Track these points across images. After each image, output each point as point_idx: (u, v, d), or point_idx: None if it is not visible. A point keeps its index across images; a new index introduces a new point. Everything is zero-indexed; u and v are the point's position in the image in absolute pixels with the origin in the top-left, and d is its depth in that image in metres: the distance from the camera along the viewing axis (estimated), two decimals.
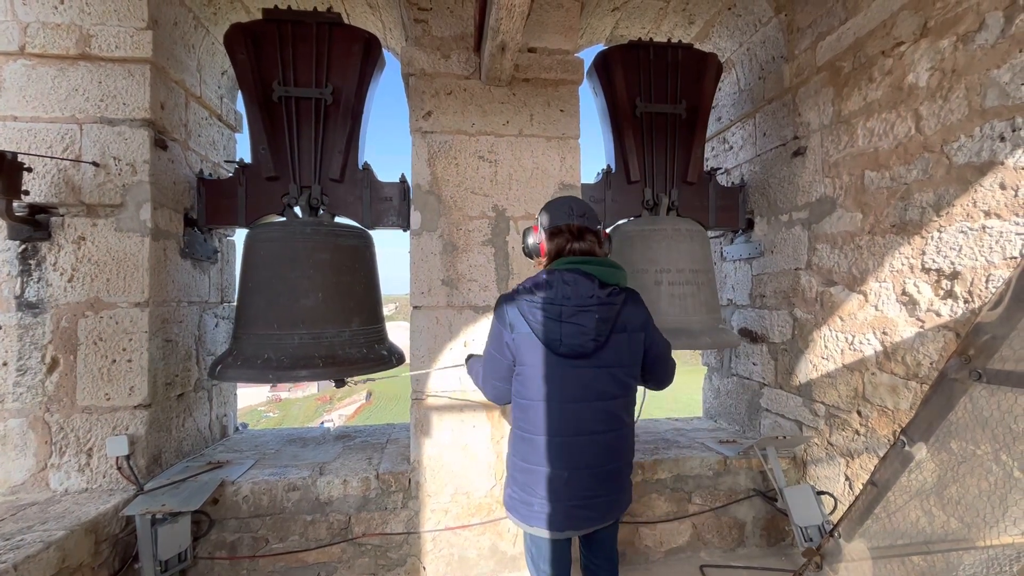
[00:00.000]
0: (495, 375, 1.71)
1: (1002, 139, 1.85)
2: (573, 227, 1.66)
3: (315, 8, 2.71)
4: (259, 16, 2.64)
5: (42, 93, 2.38)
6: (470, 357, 2.08)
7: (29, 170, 2.26)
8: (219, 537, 2.46)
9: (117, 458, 2.34)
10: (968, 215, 1.99)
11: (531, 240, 1.75)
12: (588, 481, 1.60)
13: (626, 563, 2.77)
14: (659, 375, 1.78)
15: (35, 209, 2.33)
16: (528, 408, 1.62)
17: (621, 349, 1.62)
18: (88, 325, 2.38)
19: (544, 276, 1.61)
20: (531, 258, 1.80)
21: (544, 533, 1.63)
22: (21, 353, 2.33)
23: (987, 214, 1.92)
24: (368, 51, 2.72)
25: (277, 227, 2.61)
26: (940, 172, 2.10)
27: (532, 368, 1.59)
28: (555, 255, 1.67)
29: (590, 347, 1.56)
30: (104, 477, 2.37)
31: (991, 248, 1.91)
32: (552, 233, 1.67)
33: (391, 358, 2.63)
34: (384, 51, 2.98)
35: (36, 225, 2.33)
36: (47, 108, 2.38)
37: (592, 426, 1.60)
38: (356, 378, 2.60)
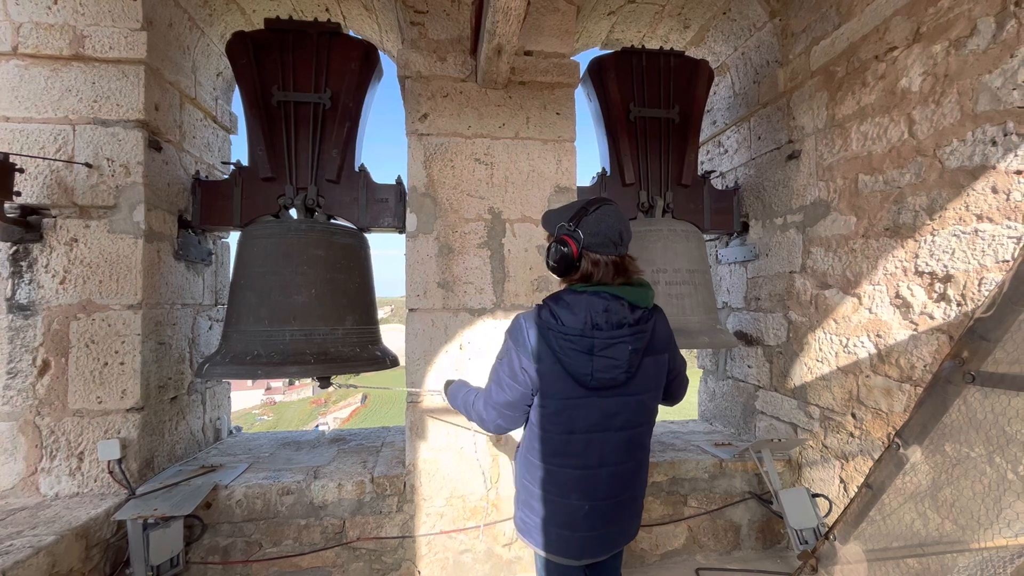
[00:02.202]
0: (504, 404, 1.52)
1: (994, 143, 1.87)
2: (621, 263, 1.47)
3: (315, 19, 2.76)
4: (255, 17, 2.66)
5: (35, 94, 2.36)
6: (449, 384, 1.95)
7: (21, 171, 2.24)
8: (212, 542, 2.44)
9: (109, 462, 2.32)
10: (961, 219, 2.00)
11: (566, 256, 1.44)
12: (607, 512, 1.52)
13: (622, 566, 2.76)
14: (675, 391, 1.68)
15: (27, 210, 2.31)
16: (547, 439, 1.49)
17: (649, 374, 1.51)
18: (80, 327, 2.35)
19: (569, 299, 1.44)
20: (557, 275, 1.53)
21: (560, 560, 1.57)
22: (11, 356, 2.31)
23: (979, 218, 1.93)
24: (366, 59, 2.78)
25: (272, 224, 2.62)
26: (933, 176, 2.11)
27: (556, 400, 1.46)
28: (587, 280, 1.47)
29: (622, 379, 1.44)
30: (95, 481, 2.34)
31: (983, 251, 1.92)
32: (594, 261, 1.44)
33: (385, 359, 2.62)
34: (380, 53, 2.98)
35: (27, 227, 2.31)
36: (40, 109, 2.36)
37: (615, 456, 1.50)
38: (348, 382, 2.59)
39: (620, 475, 1.52)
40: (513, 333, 1.50)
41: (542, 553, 1.59)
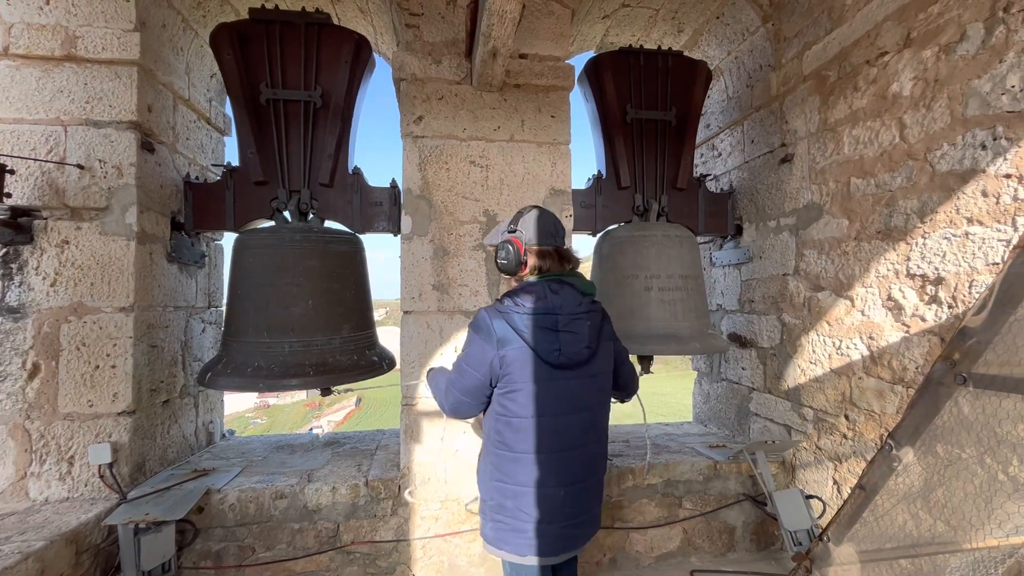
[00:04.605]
0: (463, 390, 1.61)
1: (983, 147, 1.89)
2: (562, 250, 1.67)
3: (303, 8, 2.69)
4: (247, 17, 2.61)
5: (26, 94, 2.34)
6: (431, 370, 2.01)
7: (12, 172, 2.22)
8: (204, 546, 2.41)
9: (100, 466, 2.29)
10: (951, 222, 2.02)
11: (513, 255, 1.61)
12: (580, 497, 1.60)
13: (617, 569, 2.77)
14: (627, 381, 1.81)
15: (17, 212, 2.28)
16: (520, 426, 1.55)
17: (605, 356, 1.65)
18: (71, 330, 2.33)
19: (530, 287, 1.57)
20: (508, 274, 1.67)
21: (536, 561, 1.58)
22: (1, 359, 2.28)
23: (970, 221, 1.95)
24: (358, 53, 2.70)
25: (266, 233, 2.57)
26: (924, 179, 2.13)
27: (525, 383, 1.53)
28: (536, 273, 1.63)
29: (585, 355, 1.56)
30: (86, 486, 2.32)
31: (974, 254, 1.94)
32: (539, 253, 1.62)
33: (382, 364, 2.61)
34: (375, 55, 2.98)
35: (18, 228, 2.28)
36: (31, 110, 2.34)
37: (581, 438, 1.59)
38: (342, 387, 2.57)
39: (587, 457, 1.62)
40: (476, 324, 1.59)
41: (518, 559, 1.59)
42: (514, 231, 1.64)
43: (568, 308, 1.55)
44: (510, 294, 1.59)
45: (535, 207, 1.69)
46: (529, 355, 1.52)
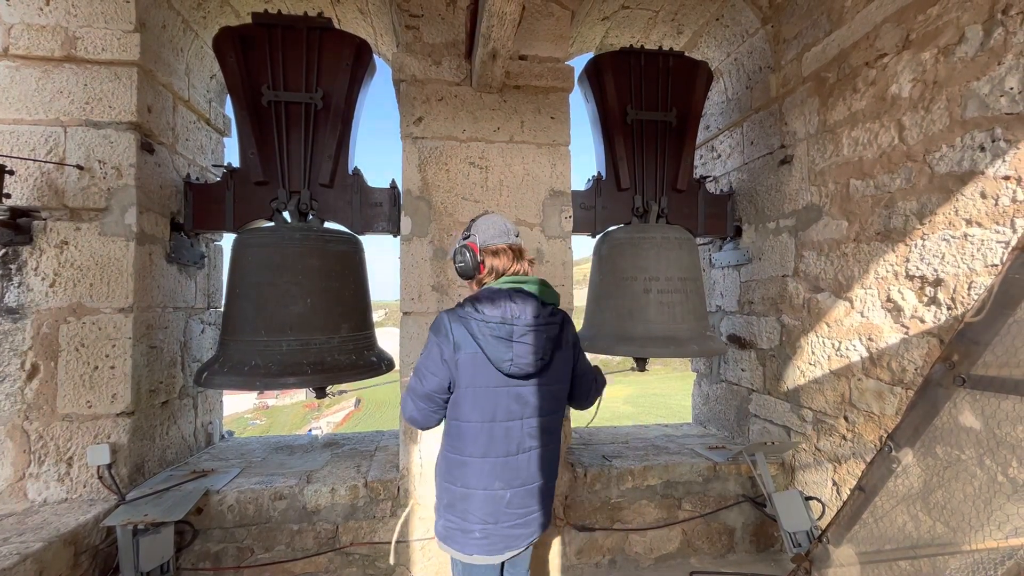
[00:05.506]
0: (424, 395, 1.60)
1: (982, 149, 1.90)
2: (514, 247, 1.68)
3: (305, 13, 2.70)
4: (248, 20, 2.62)
5: (25, 95, 2.34)
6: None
7: (11, 173, 2.22)
8: (203, 548, 2.41)
9: (98, 467, 2.29)
10: (950, 223, 2.03)
11: (469, 258, 1.64)
12: (524, 498, 1.61)
13: (616, 570, 2.76)
14: (582, 393, 1.79)
15: (16, 212, 2.28)
16: (467, 430, 1.57)
17: (560, 366, 1.66)
18: (70, 331, 2.33)
19: (487, 295, 1.58)
20: (467, 278, 1.71)
21: (483, 560, 1.61)
22: None
23: (968, 222, 1.96)
24: (359, 56, 2.72)
25: (266, 232, 2.57)
26: (923, 181, 2.14)
27: (475, 389, 1.55)
28: (494, 275, 1.65)
29: (537, 367, 1.57)
30: (85, 487, 2.32)
31: (973, 256, 1.94)
32: (493, 252, 1.65)
33: (380, 365, 2.60)
34: (375, 57, 2.98)
35: (17, 229, 2.28)
36: (31, 110, 2.34)
37: (529, 442, 1.61)
38: (340, 387, 2.56)
39: (535, 460, 1.63)
40: (435, 327, 1.59)
41: (464, 557, 1.62)
42: (468, 236, 1.68)
43: (525, 319, 1.54)
44: (471, 299, 1.59)
45: (485, 212, 1.75)
46: (483, 361, 1.53)
